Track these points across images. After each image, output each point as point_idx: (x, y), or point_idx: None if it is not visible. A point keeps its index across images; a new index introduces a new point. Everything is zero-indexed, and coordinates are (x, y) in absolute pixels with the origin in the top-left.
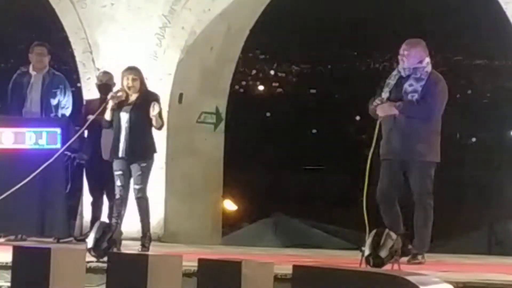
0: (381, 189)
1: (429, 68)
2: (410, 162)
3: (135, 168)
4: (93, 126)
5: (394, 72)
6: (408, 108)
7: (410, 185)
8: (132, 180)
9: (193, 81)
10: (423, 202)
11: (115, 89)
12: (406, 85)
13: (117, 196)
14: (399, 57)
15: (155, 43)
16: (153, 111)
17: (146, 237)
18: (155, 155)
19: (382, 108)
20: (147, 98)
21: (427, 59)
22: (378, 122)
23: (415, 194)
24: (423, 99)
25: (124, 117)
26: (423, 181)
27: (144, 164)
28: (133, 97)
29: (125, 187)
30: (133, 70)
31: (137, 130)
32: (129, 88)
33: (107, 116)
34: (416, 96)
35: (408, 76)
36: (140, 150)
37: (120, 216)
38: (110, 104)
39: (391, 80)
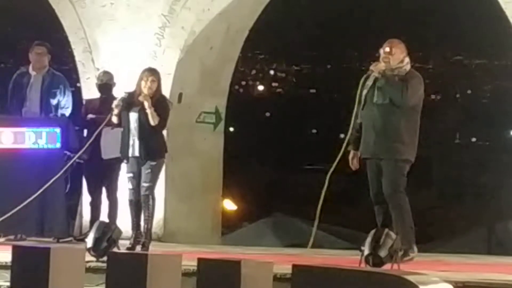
0: (372, 190)
1: (407, 67)
2: (385, 160)
3: (145, 167)
4: (92, 126)
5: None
6: (384, 82)
7: (382, 183)
8: (141, 179)
9: (193, 81)
10: (397, 199)
11: (122, 93)
12: (377, 84)
13: (130, 198)
14: (383, 56)
15: (154, 43)
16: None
17: (147, 237)
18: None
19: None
20: (158, 100)
21: (407, 59)
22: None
23: (388, 192)
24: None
25: (133, 117)
26: (397, 179)
27: (154, 163)
28: (149, 99)
29: (136, 189)
30: (154, 73)
31: (147, 129)
32: (147, 89)
33: (114, 120)
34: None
35: (387, 76)
36: (151, 149)
37: (139, 218)
38: (115, 112)
39: (369, 81)
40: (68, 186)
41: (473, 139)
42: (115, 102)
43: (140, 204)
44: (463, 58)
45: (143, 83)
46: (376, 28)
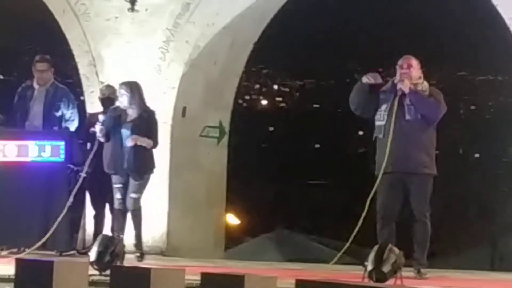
0: (384, 204)
1: (426, 83)
2: (413, 174)
3: (133, 180)
4: (96, 140)
5: (389, 87)
6: (418, 98)
7: (411, 199)
8: (128, 189)
9: (197, 95)
10: (424, 216)
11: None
12: (409, 100)
13: (117, 207)
14: (401, 73)
15: (159, 57)
16: (134, 142)
17: (140, 249)
18: (157, 169)
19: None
20: (146, 115)
21: (422, 75)
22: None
23: (417, 208)
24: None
25: (125, 133)
26: (425, 195)
27: (141, 177)
28: (132, 113)
29: (124, 199)
30: (122, 85)
31: (138, 146)
32: (120, 103)
33: (102, 140)
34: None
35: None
36: (140, 166)
37: (123, 229)
38: (100, 134)
39: (387, 96)
40: (71, 199)
41: (477, 155)
42: (98, 126)
43: (127, 214)
44: (467, 74)
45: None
46: (379, 43)
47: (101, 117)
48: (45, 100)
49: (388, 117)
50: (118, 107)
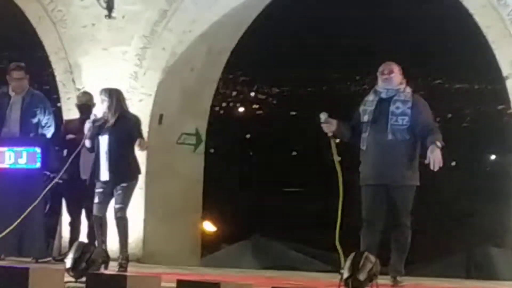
0: (367, 209)
1: (409, 89)
2: (395, 186)
3: (116, 189)
4: (72, 146)
5: (370, 98)
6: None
7: (392, 209)
8: (113, 200)
9: (174, 102)
10: (404, 224)
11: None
12: (392, 108)
13: (95, 213)
14: (382, 78)
15: (135, 64)
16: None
17: (124, 258)
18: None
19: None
20: (125, 120)
21: (405, 81)
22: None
23: (397, 217)
24: (427, 125)
25: (104, 140)
26: (406, 204)
27: (125, 185)
28: (111, 119)
29: (103, 204)
30: (102, 91)
31: (118, 152)
32: (101, 110)
33: (87, 144)
34: (406, 119)
35: (390, 98)
36: (122, 172)
37: (104, 236)
38: (88, 135)
39: (368, 106)
40: (48, 206)
41: (453, 163)
42: (86, 126)
43: (105, 220)
44: (443, 82)
45: (101, 105)
46: (357, 50)
47: (87, 124)
48: (22, 107)
49: (371, 129)
50: (101, 117)
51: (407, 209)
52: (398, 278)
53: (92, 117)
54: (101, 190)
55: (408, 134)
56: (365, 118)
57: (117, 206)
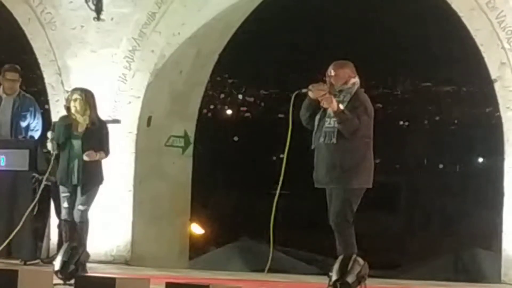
0: (329, 216)
1: (354, 89)
2: (332, 189)
3: (81, 191)
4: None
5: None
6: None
7: (329, 211)
8: (76, 201)
9: (162, 105)
10: (341, 230)
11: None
12: (329, 111)
13: (64, 217)
14: (326, 79)
15: (124, 66)
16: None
17: (81, 258)
18: (121, 178)
19: (328, 99)
20: (97, 126)
21: (353, 80)
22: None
23: (332, 222)
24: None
25: (77, 144)
26: (342, 208)
27: (90, 189)
28: (83, 122)
29: (71, 209)
30: (76, 92)
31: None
32: (73, 108)
33: (50, 147)
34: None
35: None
36: (89, 177)
37: (77, 239)
38: (50, 145)
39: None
40: (36, 208)
41: (441, 166)
42: (48, 143)
43: (75, 224)
44: (432, 84)
45: (71, 105)
46: (345, 53)
47: (49, 134)
48: (13, 110)
49: (317, 129)
50: (68, 115)
51: (342, 213)
52: None
53: (60, 119)
54: (68, 194)
55: (335, 137)
56: (316, 118)
57: (82, 207)
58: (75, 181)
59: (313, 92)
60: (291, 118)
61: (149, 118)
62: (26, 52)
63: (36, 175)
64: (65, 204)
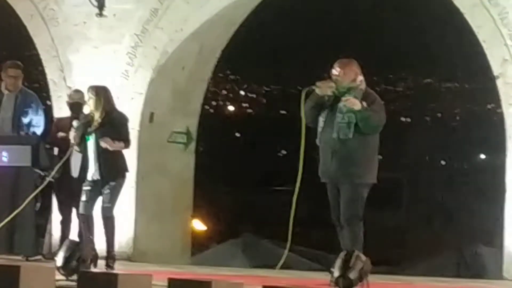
0: (332, 212)
1: (363, 86)
2: (342, 183)
3: (104, 187)
4: (63, 144)
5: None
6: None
7: (340, 207)
8: (100, 198)
9: (165, 101)
10: (352, 225)
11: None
12: (340, 105)
13: (81, 211)
14: (333, 78)
15: (126, 62)
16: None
17: (110, 257)
18: (126, 174)
19: (350, 102)
20: (113, 118)
21: (360, 77)
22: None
23: (343, 216)
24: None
25: (92, 139)
26: (353, 204)
27: (113, 184)
28: (98, 117)
29: (90, 203)
30: (89, 92)
31: (106, 151)
32: (92, 110)
33: (76, 147)
34: (352, 116)
35: (342, 96)
36: (110, 171)
37: (91, 234)
38: (73, 135)
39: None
40: (38, 204)
41: (443, 162)
42: (74, 124)
43: (92, 218)
44: (434, 81)
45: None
46: (347, 50)
47: (75, 123)
48: (15, 106)
49: (324, 124)
50: (89, 114)
51: (354, 209)
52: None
53: (81, 117)
54: (89, 188)
55: (352, 132)
56: (322, 115)
57: (105, 205)
58: (95, 176)
59: (321, 89)
60: (303, 115)
61: (152, 114)
62: (28, 48)
63: (39, 171)
64: (83, 198)
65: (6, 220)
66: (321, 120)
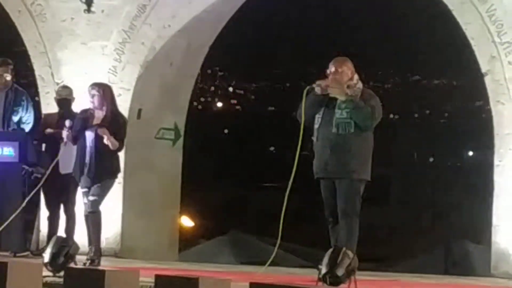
0: (325, 205)
1: (360, 85)
2: (340, 179)
3: (94, 181)
4: (50, 140)
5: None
6: (354, 105)
7: (337, 202)
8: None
9: (152, 97)
10: (349, 220)
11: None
12: (338, 102)
13: (85, 213)
14: (329, 76)
15: (114, 58)
16: (103, 134)
17: (95, 252)
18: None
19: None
20: (114, 117)
21: (356, 76)
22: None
23: (341, 211)
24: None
25: (90, 136)
26: (351, 199)
27: (104, 180)
28: (100, 115)
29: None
30: (94, 88)
31: (102, 149)
32: (91, 104)
33: (68, 137)
34: (352, 112)
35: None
36: (105, 170)
37: (73, 230)
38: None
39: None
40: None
41: (431, 159)
42: (67, 124)
43: (74, 214)
44: (422, 78)
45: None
46: (334, 46)
47: (67, 123)
48: (5, 104)
49: (322, 121)
50: (88, 109)
51: (350, 200)
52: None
53: (79, 112)
54: (86, 190)
55: (353, 127)
56: (319, 112)
57: (92, 198)
58: (88, 172)
59: (322, 87)
60: (303, 114)
61: (139, 111)
62: (16, 44)
63: (26, 167)
64: (85, 200)
65: (7, 221)
66: (317, 117)
